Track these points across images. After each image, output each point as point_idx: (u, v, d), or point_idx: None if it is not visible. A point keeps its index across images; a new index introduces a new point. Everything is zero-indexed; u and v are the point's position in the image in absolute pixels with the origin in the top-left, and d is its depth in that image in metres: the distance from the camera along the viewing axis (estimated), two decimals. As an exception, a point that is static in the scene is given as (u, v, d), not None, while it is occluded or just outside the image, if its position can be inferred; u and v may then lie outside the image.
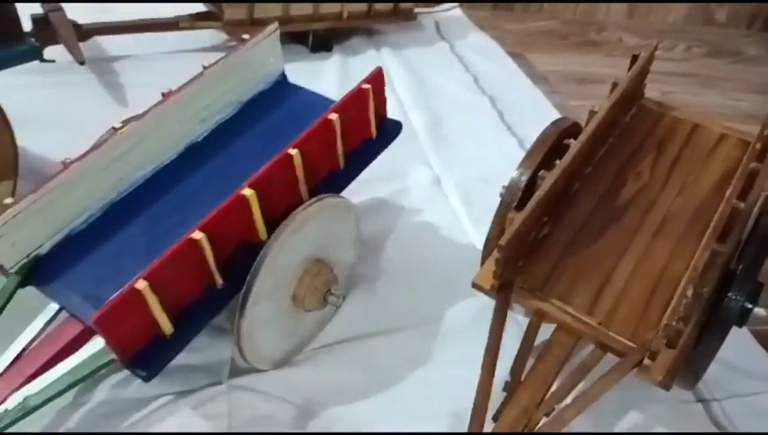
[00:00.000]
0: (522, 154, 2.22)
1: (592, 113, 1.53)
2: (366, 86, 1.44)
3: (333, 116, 1.37)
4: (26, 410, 1.12)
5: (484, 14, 3.43)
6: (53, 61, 2.25)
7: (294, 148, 1.30)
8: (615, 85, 1.59)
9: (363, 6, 2.82)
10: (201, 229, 1.17)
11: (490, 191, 1.98)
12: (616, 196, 1.53)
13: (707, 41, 3.36)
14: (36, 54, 1.66)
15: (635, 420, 1.45)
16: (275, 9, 2.64)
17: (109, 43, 2.63)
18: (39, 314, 1.27)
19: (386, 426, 1.36)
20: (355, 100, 1.43)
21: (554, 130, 1.55)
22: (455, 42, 3.05)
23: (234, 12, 2.60)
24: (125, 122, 1.40)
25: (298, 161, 1.31)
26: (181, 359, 1.26)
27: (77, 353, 1.20)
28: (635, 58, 1.67)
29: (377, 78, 1.47)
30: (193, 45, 2.73)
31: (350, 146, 1.47)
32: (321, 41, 2.81)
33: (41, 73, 2.28)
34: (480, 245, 1.83)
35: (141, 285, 1.08)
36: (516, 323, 1.61)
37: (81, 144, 1.98)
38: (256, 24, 2.63)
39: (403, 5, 2.91)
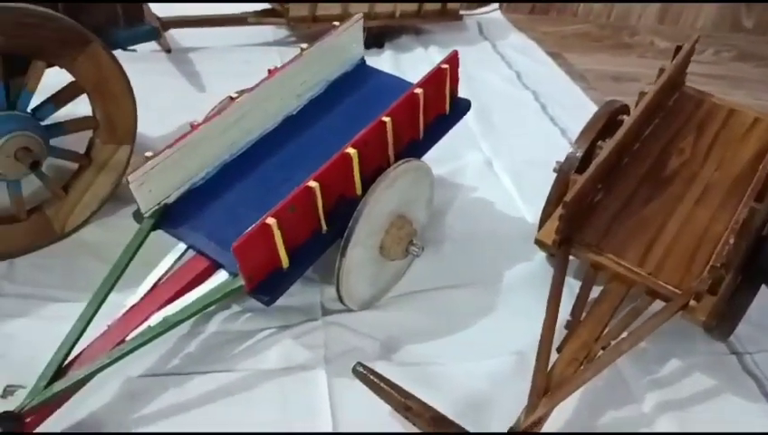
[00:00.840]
0: (565, 143, 2.47)
1: (642, 94, 1.73)
2: (444, 66, 1.65)
3: (418, 90, 1.58)
4: (168, 326, 1.33)
5: (522, 18, 3.64)
6: (135, 50, 2.48)
7: (387, 116, 1.51)
8: (662, 71, 1.79)
9: (414, 6, 3.04)
10: (315, 179, 1.38)
11: (538, 173, 2.20)
12: (661, 169, 1.72)
13: (735, 46, 3.55)
14: (155, 35, 1.89)
15: (675, 366, 1.62)
16: (335, 7, 2.87)
17: (182, 36, 2.87)
18: (168, 253, 1.49)
19: (457, 361, 1.55)
20: (435, 77, 1.64)
21: (608, 109, 1.75)
22: (496, 41, 3.27)
23: (297, 9, 2.83)
24: (239, 93, 1.62)
25: (389, 128, 1.52)
26: (278, 301, 1.46)
27: (205, 284, 1.41)
28: (678, 48, 1.87)
29: (453, 60, 1.68)
30: (257, 40, 2.97)
31: (428, 119, 1.67)
32: (374, 38, 3.02)
33: (127, 61, 2.52)
34: (530, 219, 2.04)
35: (271, 221, 1.30)
36: (568, 286, 1.79)
37: (168, 123, 2.24)
38: (318, 21, 2.87)
39: (450, 7, 3.13)
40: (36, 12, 1.48)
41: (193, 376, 1.45)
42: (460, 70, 1.73)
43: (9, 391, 1.37)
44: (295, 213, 1.36)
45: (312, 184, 1.37)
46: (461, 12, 3.22)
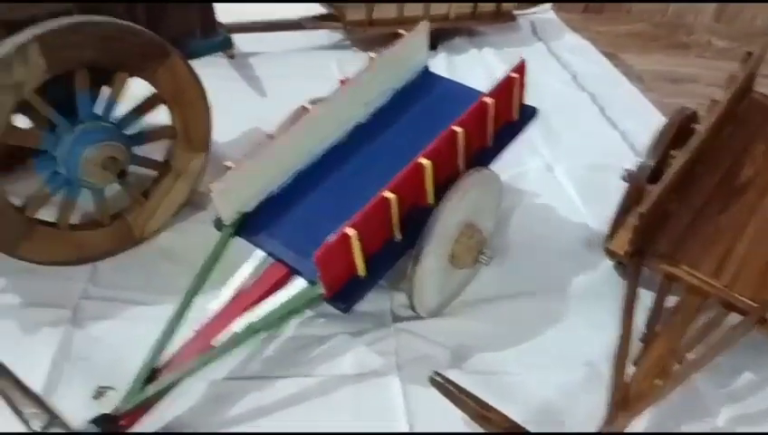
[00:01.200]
0: (625, 146, 2.44)
1: (714, 102, 1.71)
2: (514, 75, 1.66)
3: (489, 100, 1.59)
4: (253, 332, 1.38)
5: (575, 17, 3.60)
6: (198, 56, 2.56)
7: (458, 126, 1.53)
8: (733, 78, 1.76)
9: (468, 8, 3.04)
10: (391, 190, 1.40)
11: (599, 178, 2.19)
12: (734, 178, 1.70)
13: (796, 45, 3.45)
14: (229, 44, 1.94)
15: (749, 380, 1.60)
16: (391, 10, 2.89)
17: (241, 41, 2.93)
18: (247, 260, 1.54)
19: (527, 371, 1.57)
20: (505, 87, 1.64)
21: (678, 118, 1.73)
22: (551, 42, 3.24)
23: (354, 13, 2.86)
24: (312, 102, 1.65)
25: (461, 138, 1.54)
26: (351, 307, 1.49)
27: (284, 290, 1.45)
28: (748, 55, 1.83)
29: (521, 69, 1.69)
30: (314, 43, 3.01)
31: (497, 127, 1.68)
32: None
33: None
34: (593, 224, 2.03)
35: (351, 231, 1.33)
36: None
37: (233, 127, 2.29)
38: (374, 25, 2.89)
39: (504, 7, 3.12)
40: (122, 26, 1.53)
41: (273, 380, 1.50)
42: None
43: (100, 392, 1.43)
44: (371, 222, 1.38)
45: (389, 195, 1.40)
46: (514, 12, 3.21)
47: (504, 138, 1.72)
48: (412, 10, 2.92)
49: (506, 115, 1.72)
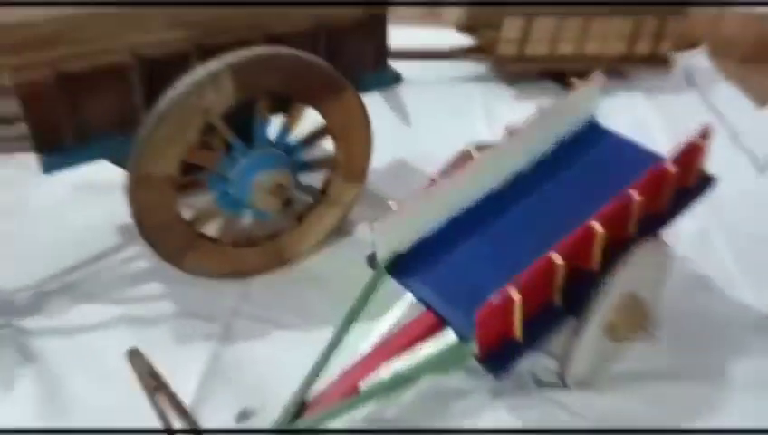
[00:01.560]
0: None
1: None
2: (699, 141, 1.55)
3: (670, 167, 1.49)
4: (400, 381, 1.36)
5: (732, 65, 3.35)
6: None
7: (636, 191, 1.44)
8: None
9: (622, 49, 2.91)
10: (558, 253, 1.34)
11: (761, 249, 2.00)
12: None
13: None
14: (398, 80, 1.94)
15: None
16: (542, 47, 2.82)
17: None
18: (398, 301, 1.52)
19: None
20: (688, 152, 1.54)
21: None
22: (705, 91, 3.04)
23: (504, 48, 2.81)
24: (477, 148, 1.62)
25: (636, 204, 1.45)
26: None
27: (432, 341, 1.43)
28: None
29: (706, 135, 1.58)
30: (457, 73, 2.99)
31: (674, 192, 1.57)
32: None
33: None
34: (756, 304, 1.86)
35: (516, 295, 1.28)
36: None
37: (378, 156, 2.30)
38: (524, 61, 2.84)
39: (659, 51, 2.96)
40: (306, 60, 1.57)
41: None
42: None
43: (244, 414, 1.46)
44: (535, 285, 1.33)
45: (557, 259, 1.33)
46: (669, 56, 3.04)
47: (678, 204, 1.61)
48: (563, 49, 2.84)
49: (684, 181, 1.61)
